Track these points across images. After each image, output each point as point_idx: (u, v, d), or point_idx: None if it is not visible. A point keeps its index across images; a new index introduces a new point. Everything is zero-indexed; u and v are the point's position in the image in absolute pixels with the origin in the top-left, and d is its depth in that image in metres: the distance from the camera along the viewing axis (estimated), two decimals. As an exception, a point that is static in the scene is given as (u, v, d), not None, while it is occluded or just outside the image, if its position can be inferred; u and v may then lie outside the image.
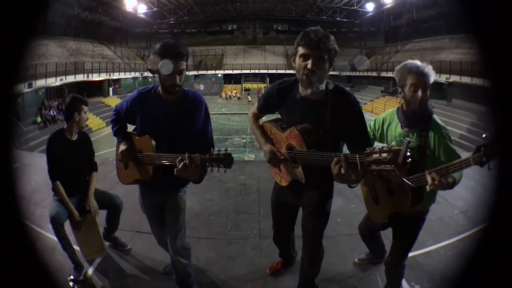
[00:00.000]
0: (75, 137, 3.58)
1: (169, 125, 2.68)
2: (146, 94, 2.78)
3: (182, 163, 2.34)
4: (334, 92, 2.38)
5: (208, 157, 2.30)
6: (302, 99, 2.44)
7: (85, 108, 3.57)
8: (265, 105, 2.76)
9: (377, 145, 1.83)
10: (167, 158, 2.53)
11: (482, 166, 1.86)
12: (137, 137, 2.83)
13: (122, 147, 2.83)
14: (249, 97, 42.95)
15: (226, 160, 2.27)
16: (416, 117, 2.48)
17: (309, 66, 2.22)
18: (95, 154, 3.81)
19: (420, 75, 2.38)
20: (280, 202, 3.01)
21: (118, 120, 2.96)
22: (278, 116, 2.71)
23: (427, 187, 2.14)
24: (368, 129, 2.81)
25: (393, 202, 2.57)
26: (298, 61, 2.30)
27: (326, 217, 2.76)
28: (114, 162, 3.07)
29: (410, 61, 2.48)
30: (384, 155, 1.71)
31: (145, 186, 2.97)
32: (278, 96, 2.60)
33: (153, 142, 2.67)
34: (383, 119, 2.78)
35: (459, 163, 2.04)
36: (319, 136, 2.32)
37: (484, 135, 1.88)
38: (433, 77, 2.41)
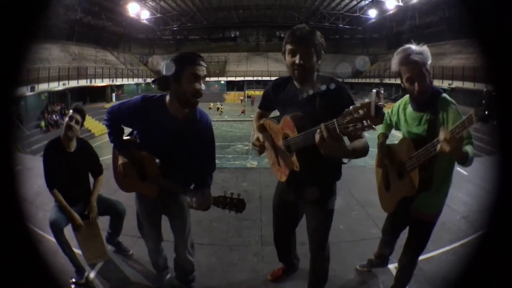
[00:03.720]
0: (72, 148, 3.49)
1: (174, 144, 2.58)
2: (152, 104, 2.56)
3: (196, 201, 2.43)
4: (323, 80, 2.45)
5: (221, 199, 2.43)
6: (295, 91, 2.55)
7: (78, 118, 3.45)
8: (264, 101, 2.89)
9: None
10: (177, 188, 2.60)
11: (487, 122, 1.74)
12: (138, 150, 2.70)
13: (123, 159, 2.77)
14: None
15: (239, 206, 2.42)
16: (425, 100, 2.48)
17: (297, 61, 2.35)
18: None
19: (413, 65, 2.37)
20: (282, 202, 3.01)
21: (114, 127, 2.75)
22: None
23: (438, 146, 2.05)
24: (386, 115, 2.84)
25: (402, 186, 2.57)
26: (287, 57, 2.44)
27: (328, 216, 2.75)
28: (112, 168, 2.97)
29: (401, 50, 2.47)
30: (359, 112, 1.68)
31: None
32: (273, 91, 2.73)
33: (157, 161, 2.59)
34: (399, 105, 2.80)
35: (462, 122, 1.92)
36: (310, 121, 2.27)
37: (484, 90, 1.81)
38: (428, 59, 2.39)
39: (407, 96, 2.70)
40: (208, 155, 2.78)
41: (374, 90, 1.64)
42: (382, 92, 1.65)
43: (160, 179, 2.59)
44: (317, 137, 1.95)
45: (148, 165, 2.62)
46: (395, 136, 2.94)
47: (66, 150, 3.46)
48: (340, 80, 2.58)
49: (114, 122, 2.71)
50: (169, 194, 2.71)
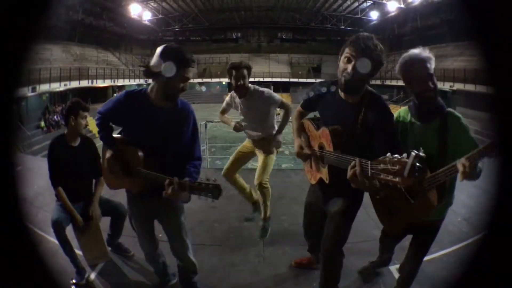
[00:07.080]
0: (76, 142, 3.55)
1: (159, 134, 2.58)
2: (134, 97, 2.62)
3: (170, 188, 2.32)
4: (370, 97, 2.40)
5: (197, 185, 2.29)
6: (339, 100, 2.47)
7: (83, 113, 3.54)
8: (307, 102, 2.84)
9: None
10: (157, 178, 2.42)
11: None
12: (125, 145, 2.69)
13: (107, 155, 2.78)
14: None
15: (214, 192, 2.25)
16: (431, 109, 2.41)
17: (348, 69, 2.26)
18: (99, 159, 3.79)
19: (418, 64, 2.39)
20: (310, 202, 3.12)
21: (103, 125, 2.79)
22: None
23: (459, 176, 2.02)
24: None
25: (414, 209, 2.43)
26: (341, 62, 2.34)
27: (345, 226, 2.75)
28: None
29: (405, 56, 2.46)
30: (394, 166, 1.67)
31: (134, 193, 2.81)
32: (317, 94, 2.66)
33: (140, 154, 2.55)
34: (396, 118, 2.65)
35: (481, 150, 1.94)
36: (346, 138, 2.31)
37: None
38: (431, 61, 2.41)
39: (404, 109, 2.66)
40: (193, 144, 2.76)
41: (413, 153, 1.62)
42: (422, 154, 1.62)
43: (144, 171, 2.50)
44: (349, 171, 1.98)
45: (132, 158, 2.59)
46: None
47: (70, 145, 3.51)
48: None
49: (103, 121, 2.77)
50: (157, 194, 2.43)
